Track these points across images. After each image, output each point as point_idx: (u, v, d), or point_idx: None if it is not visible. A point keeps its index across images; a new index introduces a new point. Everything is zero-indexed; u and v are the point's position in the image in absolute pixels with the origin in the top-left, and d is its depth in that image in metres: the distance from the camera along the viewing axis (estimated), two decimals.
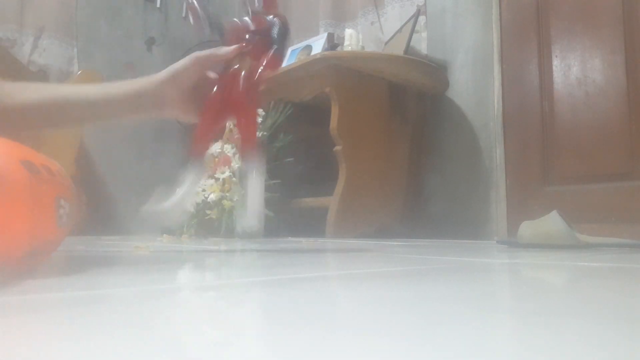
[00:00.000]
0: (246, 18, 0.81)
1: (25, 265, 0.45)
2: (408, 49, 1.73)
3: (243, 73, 0.78)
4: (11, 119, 0.67)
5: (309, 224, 1.70)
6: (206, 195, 1.68)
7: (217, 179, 1.70)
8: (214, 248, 0.99)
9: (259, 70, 0.79)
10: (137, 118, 0.78)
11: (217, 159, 1.76)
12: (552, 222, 1.00)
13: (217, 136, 0.86)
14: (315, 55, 1.73)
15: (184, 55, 0.78)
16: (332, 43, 2.04)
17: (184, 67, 0.76)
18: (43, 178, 0.43)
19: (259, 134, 1.76)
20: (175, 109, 0.77)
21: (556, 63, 1.56)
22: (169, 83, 0.75)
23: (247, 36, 0.80)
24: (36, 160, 0.44)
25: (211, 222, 1.65)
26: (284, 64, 2.19)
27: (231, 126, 1.78)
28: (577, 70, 1.50)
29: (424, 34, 1.89)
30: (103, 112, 0.75)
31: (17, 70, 2.05)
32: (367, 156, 1.69)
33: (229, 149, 1.74)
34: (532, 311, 0.29)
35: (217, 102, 0.76)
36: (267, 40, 0.80)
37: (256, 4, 0.80)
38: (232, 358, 0.18)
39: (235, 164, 1.69)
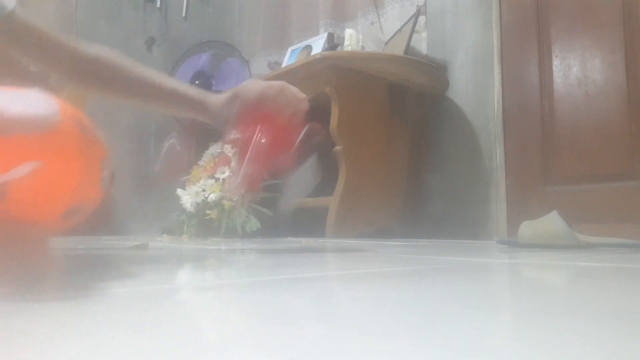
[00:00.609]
0: None
1: (64, 223, 0.45)
2: (408, 49, 1.73)
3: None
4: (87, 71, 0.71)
5: (309, 224, 1.70)
6: (206, 195, 1.68)
7: (217, 179, 1.70)
8: (214, 248, 0.99)
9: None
10: (180, 115, 0.83)
11: (217, 159, 1.76)
12: (552, 222, 1.00)
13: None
14: (315, 55, 1.73)
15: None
16: (332, 43, 2.04)
17: (248, 95, 0.78)
18: (91, 138, 0.45)
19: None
20: (217, 122, 0.80)
21: (556, 63, 1.56)
22: (228, 105, 0.78)
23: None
24: (84, 120, 0.45)
25: (211, 222, 1.65)
26: (284, 64, 2.19)
27: None
28: (577, 70, 1.50)
29: (424, 34, 1.89)
30: (164, 100, 0.78)
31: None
32: (367, 156, 1.69)
33: (228, 149, 1.74)
34: (532, 311, 0.29)
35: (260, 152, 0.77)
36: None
37: None
38: (232, 358, 0.18)
39: (236, 164, 1.69)
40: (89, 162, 0.44)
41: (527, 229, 1.03)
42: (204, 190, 1.70)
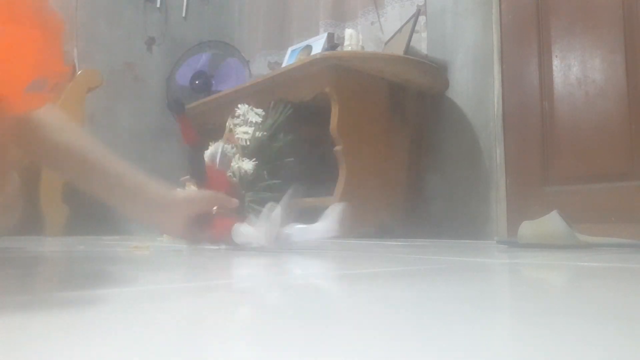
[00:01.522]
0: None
1: (30, 99, 0.45)
2: (408, 49, 1.73)
3: None
4: (47, 154, 0.68)
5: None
6: None
7: None
8: (214, 248, 0.99)
9: None
10: (134, 214, 0.80)
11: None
12: (552, 222, 1.00)
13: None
14: (315, 55, 1.73)
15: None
16: (332, 43, 2.04)
17: (199, 199, 0.81)
18: (47, 8, 0.45)
19: (259, 134, 1.76)
20: (168, 228, 0.82)
21: (556, 63, 1.56)
22: (181, 206, 0.79)
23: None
24: None
25: None
26: (285, 63, 2.20)
27: (231, 126, 1.78)
28: (577, 70, 1.50)
29: (424, 34, 1.89)
30: (113, 194, 0.76)
31: None
32: (367, 156, 1.69)
33: (228, 149, 1.74)
34: (532, 311, 0.29)
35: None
36: None
37: None
38: (232, 358, 0.18)
39: (235, 163, 1.69)
40: (48, 32, 0.44)
41: (527, 229, 1.03)
42: None
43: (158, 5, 2.63)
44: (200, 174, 0.93)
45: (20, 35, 0.41)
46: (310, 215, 0.86)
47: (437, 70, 1.78)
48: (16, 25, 0.41)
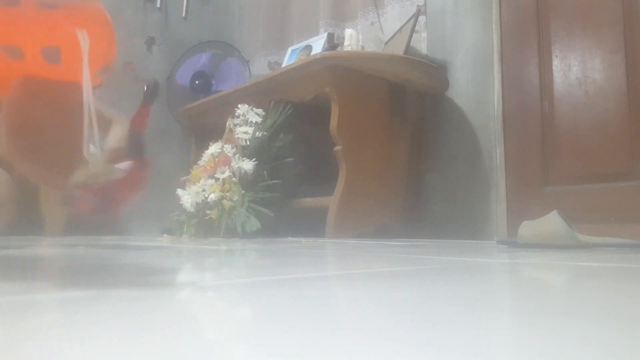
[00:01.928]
0: None
1: (96, 81, 0.56)
2: (408, 49, 1.73)
3: None
4: None
5: (309, 224, 1.70)
6: (206, 195, 1.67)
7: (217, 179, 1.70)
8: (214, 248, 0.99)
9: None
10: None
11: (217, 159, 1.76)
12: (552, 222, 1.00)
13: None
14: (315, 55, 1.73)
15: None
16: (332, 43, 2.04)
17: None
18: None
19: (259, 134, 1.76)
20: None
21: (556, 63, 1.56)
22: None
23: None
24: None
25: (211, 222, 1.65)
26: (285, 63, 2.20)
27: (231, 126, 1.79)
28: (577, 70, 1.50)
29: (424, 34, 1.89)
30: None
31: None
32: (367, 156, 1.69)
33: (228, 149, 1.74)
34: (532, 311, 0.29)
35: None
36: None
37: None
38: (232, 358, 0.18)
39: (235, 163, 1.69)
40: (109, 27, 0.56)
41: (527, 229, 1.03)
42: (204, 190, 1.70)
43: (158, 5, 2.63)
44: (138, 155, 1.01)
45: (98, 32, 0.52)
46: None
47: (437, 70, 1.78)
48: (96, 24, 0.52)
